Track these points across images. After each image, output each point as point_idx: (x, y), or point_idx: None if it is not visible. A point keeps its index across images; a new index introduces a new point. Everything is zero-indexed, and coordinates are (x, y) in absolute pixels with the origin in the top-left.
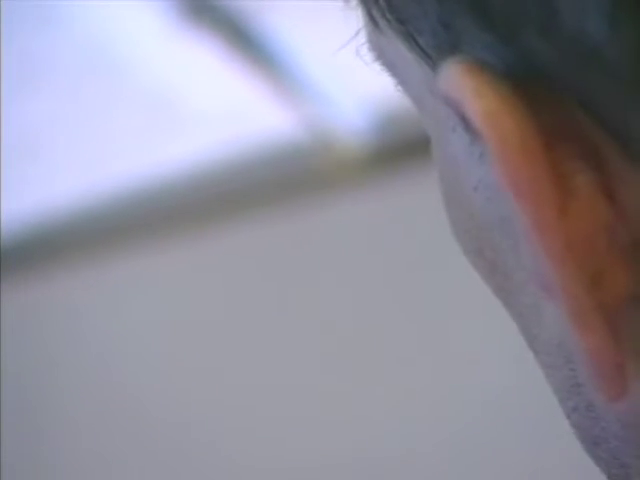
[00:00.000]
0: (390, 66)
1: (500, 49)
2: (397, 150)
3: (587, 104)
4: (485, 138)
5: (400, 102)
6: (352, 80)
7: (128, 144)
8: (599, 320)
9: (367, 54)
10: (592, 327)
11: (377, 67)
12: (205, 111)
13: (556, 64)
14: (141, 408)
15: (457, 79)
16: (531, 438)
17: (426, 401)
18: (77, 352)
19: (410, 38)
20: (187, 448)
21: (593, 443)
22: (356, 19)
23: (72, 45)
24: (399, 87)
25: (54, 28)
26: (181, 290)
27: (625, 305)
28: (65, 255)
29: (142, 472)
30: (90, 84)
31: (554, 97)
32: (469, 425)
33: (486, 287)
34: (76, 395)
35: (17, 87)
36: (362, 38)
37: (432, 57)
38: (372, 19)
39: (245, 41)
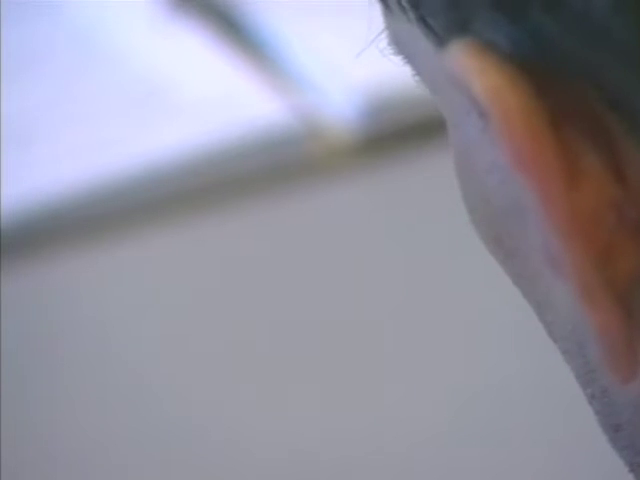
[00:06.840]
0: (409, 57)
1: (508, 28)
2: (387, 137)
3: (596, 83)
4: (489, 115)
5: (390, 89)
6: (342, 67)
7: (122, 131)
8: (609, 296)
9: (386, 48)
10: (601, 303)
11: (398, 61)
12: (195, 99)
13: (563, 42)
14: (143, 391)
15: (462, 59)
16: (530, 429)
17: (426, 390)
18: (77, 337)
19: (424, 23)
20: (190, 429)
21: (614, 430)
22: (352, 11)
23: (67, 33)
24: (417, 77)
25: (50, 16)
26: (175, 275)
27: (636, 284)
28: (64, 240)
29: (141, 451)
30: (83, 72)
31: (563, 77)
32: (469, 418)
33: (480, 270)
34: (76, 378)
35: (14, 74)
36: (382, 34)
37: (445, 41)
38: (387, 6)
39: (235, 29)
